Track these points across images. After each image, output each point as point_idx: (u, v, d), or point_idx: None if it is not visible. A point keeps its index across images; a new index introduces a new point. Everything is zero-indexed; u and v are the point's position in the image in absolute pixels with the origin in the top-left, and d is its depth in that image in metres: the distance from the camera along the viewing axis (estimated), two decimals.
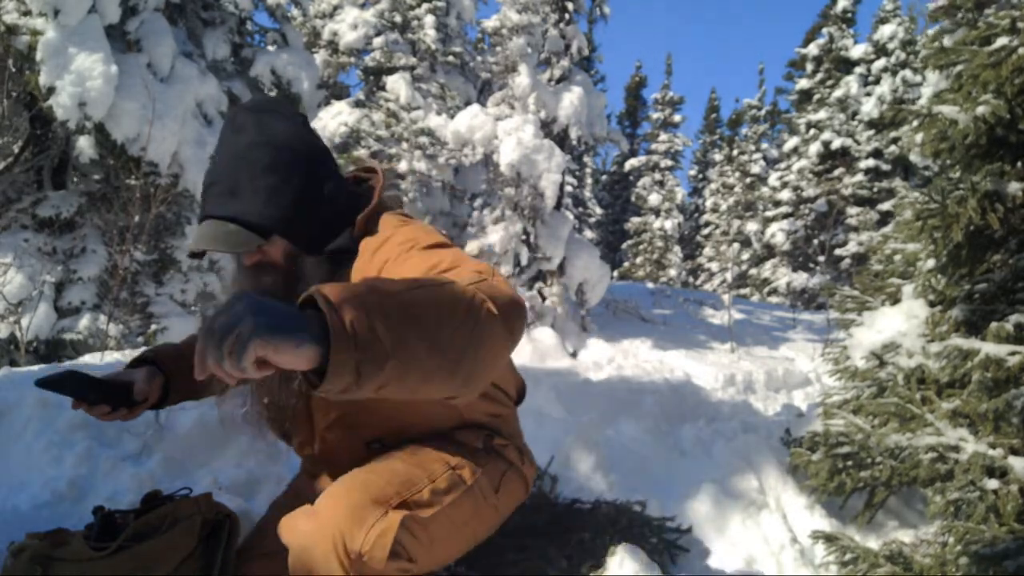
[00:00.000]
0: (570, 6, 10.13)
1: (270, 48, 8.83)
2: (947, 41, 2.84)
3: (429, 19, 11.90)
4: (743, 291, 19.90)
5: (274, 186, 1.16)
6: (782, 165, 19.83)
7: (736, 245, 19.38)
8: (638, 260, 18.27)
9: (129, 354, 4.22)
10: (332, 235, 1.24)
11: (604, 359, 8.78)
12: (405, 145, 10.36)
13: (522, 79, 9.47)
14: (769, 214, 19.32)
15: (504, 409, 1.54)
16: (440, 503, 1.24)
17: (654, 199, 17.29)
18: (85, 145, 6.82)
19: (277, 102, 1.28)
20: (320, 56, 12.32)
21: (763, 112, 24.64)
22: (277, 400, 1.26)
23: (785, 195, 18.73)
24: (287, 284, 1.21)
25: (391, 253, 1.17)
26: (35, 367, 3.61)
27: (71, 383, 1.25)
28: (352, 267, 1.24)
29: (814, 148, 17.55)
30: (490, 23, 10.01)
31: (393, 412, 1.30)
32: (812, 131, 18.03)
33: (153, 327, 6.96)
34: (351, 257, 1.24)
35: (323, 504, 1.09)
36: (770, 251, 19.15)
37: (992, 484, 2.22)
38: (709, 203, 23.72)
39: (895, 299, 3.03)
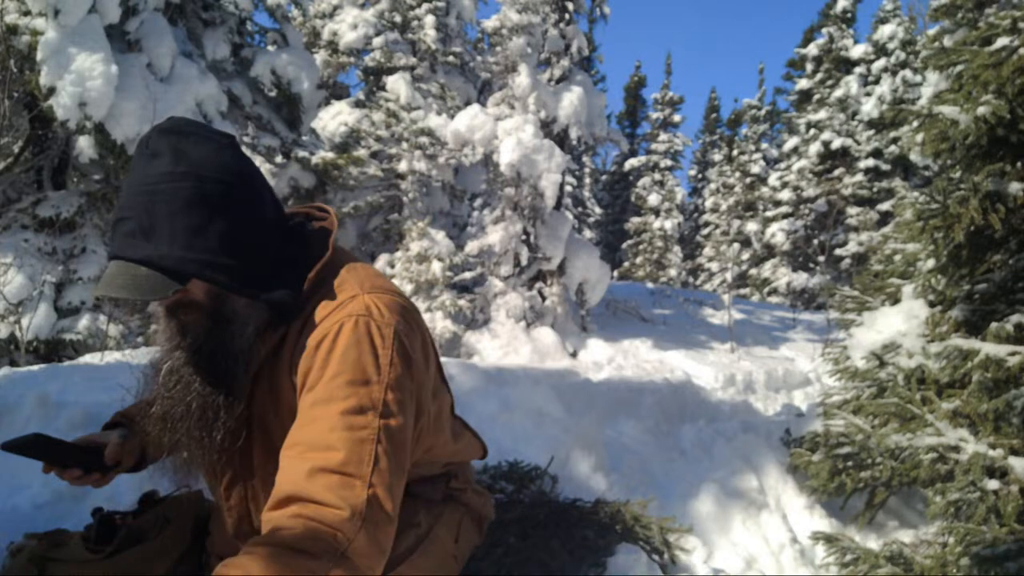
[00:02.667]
0: (570, 6, 10.13)
1: (270, 48, 8.84)
2: (947, 41, 2.84)
3: (429, 19, 11.90)
4: (743, 291, 19.91)
5: (196, 225, 1.01)
6: (782, 165, 19.83)
7: (736, 245, 19.38)
8: (638, 260, 18.28)
9: (129, 354, 4.23)
10: (268, 278, 1.10)
11: (604, 359, 8.78)
12: (405, 145, 10.35)
13: (522, 79, 9.47)
14: (769, 214, 19.33)
15: (464, 459, 1.49)
16: (394, 572, 1.18)
17: (654, 199, 17.30)
18: (85, 145, 6.82)
19: (199, 124, 1.10)
20: (320, 56, 12.33)
21: (763, 112, 24.65)
22: (200, 445, 1.13)
23: (785, 195, 18.74)
24: (214, 323, 1.08)
25: (315, 376, 1.05)
26: (35, 367, 3.61)
27: (38, 447, 1.19)
28: (297, 323, 1.12)
29: (814, 148, 17.56)
30: (490, 23, 10.01)
31: None
32: (812, 131, 18.04)
33: (153, 327, 6.96)
34: (298, 308, 1.12)
35: None
36: (770, 251, 19.16)
37: (992, 485, 2.22)
38: (709, 203, 23.73)
39: (895, 299, 3.02)
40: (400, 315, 1.11)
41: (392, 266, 9.48)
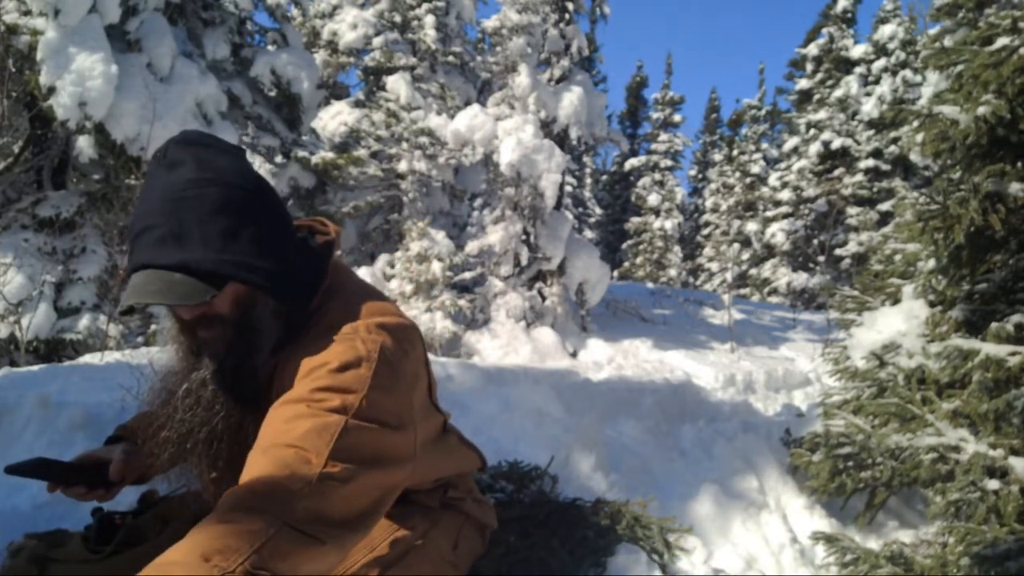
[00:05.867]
0: (570, 6, 10.13)
1: (270, 48, 8.84)
2: (948, 41, 2.84)
3: (429, 19, 11.90)
4: (743, 291, 19.90)
5: (227, 230, 1.01)
6: (782, 165, 19.83)
7: (736, 245, 19.39)
8: (638, 260, 18.27)
9: (129, 354, 4.23)
10: (296, 282, 1.10)
11: (604, 359, 8.78)
12: (405, 145, 10.35)
13: (522, 79, 9.47)
14: (769, 214, 19.34)
15: (458, 472, 1.47)
16: (387, 572, 1.20)
17: (654, 199, 17.30)
18: (85, 145, 6.82)
19: (212, 136, 1.10)
20: (320, 56, 12.32)
21: (763, 112, 24.65)
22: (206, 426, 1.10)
23: (785, 195, 18.74)
24: (237, 335, 1.06)
25: (299, 377, 1.03)
26: (35, 367, 3.61)
27: (41, 469, 1.20)
28: (288, 349, 1.10)
29: (814, 148, 17.57)
30: (490, 23, 10.01)
31: None
32: (812, 131, 18.04)
33: (153, 327, 6.96)
34: (297, 332, 1.11)
35: None
36: (770, 251, 19.16)
37: (993, 484, 2.22)
38: (709, 203, 23.74)
39: (895, 299, 3.02)
40: (390, 336, 1.08)
41: (392, 266, 9.48)
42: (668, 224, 17.23)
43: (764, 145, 23.33)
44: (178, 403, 1.09)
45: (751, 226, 20.02)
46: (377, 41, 11.85)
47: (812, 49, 19.27)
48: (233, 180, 1.04)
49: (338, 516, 0.91)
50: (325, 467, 0.91)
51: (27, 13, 6.25)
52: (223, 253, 1.00)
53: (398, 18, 12.02)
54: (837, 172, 17.38)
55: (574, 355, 9.12)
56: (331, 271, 1.17)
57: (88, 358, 4.23)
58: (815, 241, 17.79)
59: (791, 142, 19.21)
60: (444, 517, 1.37)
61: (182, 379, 1.10)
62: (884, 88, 16.84)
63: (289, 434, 0.93)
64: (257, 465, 0.92)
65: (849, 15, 18.87)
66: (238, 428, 1.10)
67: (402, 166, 10.45)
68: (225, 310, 1.05)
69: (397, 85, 10.94)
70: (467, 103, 11.33)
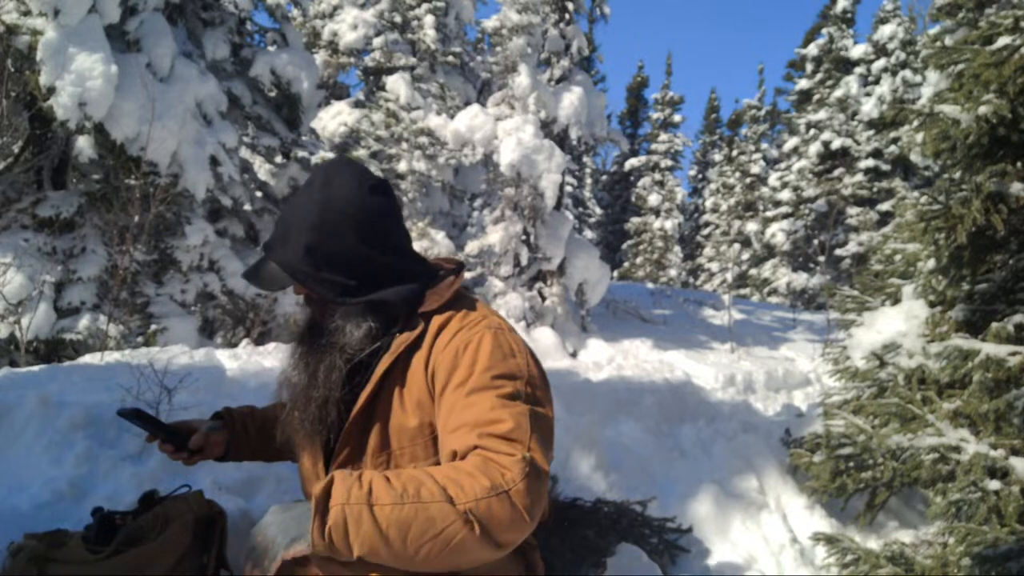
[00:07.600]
0: (570, 6, 10.13)
1: (270, 48, 8.83)
2: (948, 40, 2.84)
3: (429, 19, 11.90)
4: (743, 291, 19.90)
5: (309, 243, 1.28)
6: (782, 165, 19.83)
7: (736, 245, 19.40)
8: (638, 260, 18.28)
9: (129, 354, 4.22)
10: (371, 288, 1.32)
11: (604, 359, 8.77)
12: (405, 145, 10.35)
13: (522, 79, 9.47)
14: (769, 214, 19.33)
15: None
16: None
17: (654, 199, 17.30)
18: (85, 145, 6.82)
19: (359, 165, 1.38)
20: (320, 56, 12.32)
21: (763, 112, 24.63)
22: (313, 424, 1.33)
23: (785, 195, 18.73)
24: (323, 318, 1.35)
25: (464, 373, 1.22)
26: (35, 367, 3.60)
27: (142, 417, 1.36)
28: (434, 327, 1.32)
29: (814, 148, 17.56)
30: (490, 23, 10.01)
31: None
32: (812, 131, 18.04)
33: (153, 327, 6.96)
34: (407, 321, 1.33)
35: None
36: (770, 251, 19.16)
37: (994, 485, 2.22)
38: (709, 203, 23.74)
39: (895, 299, 3.02)
40: (516, 333, 1.33)
41: None
42: (668, 224, 17.24)
43: (764, 145, 23.33)
44: (291, 361, 1.39)
45: (751, 226, 20.02)
46: (377, 41, 11.85)
47: (812, 49, 19.27)
48: (337, 206, 1.29)
49: (544, 491, 1.12)
50: (530, 451, 1.12)
51: (27, 13, 6.24)
52: (299, 260, 1.29)
53: (398, 18, 12.02)
54: (837, 172, 17.38)
55: (574, 355, 9.12)
56: (461, 285, 1.43)
57: (88, 358, 4.23)
58: (815, 241, 17.79)
59: (791, 142, 19.21)
60: (509, 560, 1.34)
61: (296, 346, 1.41)
62: (884, 88, 16.84)
63: (499, 425, 1.14)
64: (474, 443, 1.13)
65: (849, 15, 18.87)
66: (328, 402, 1.31)
67: (402, 166, 10.44)
68: (315, 296, 1.35)
69: (397, 85, 10.94)
70: (467, 103, 11.32)
